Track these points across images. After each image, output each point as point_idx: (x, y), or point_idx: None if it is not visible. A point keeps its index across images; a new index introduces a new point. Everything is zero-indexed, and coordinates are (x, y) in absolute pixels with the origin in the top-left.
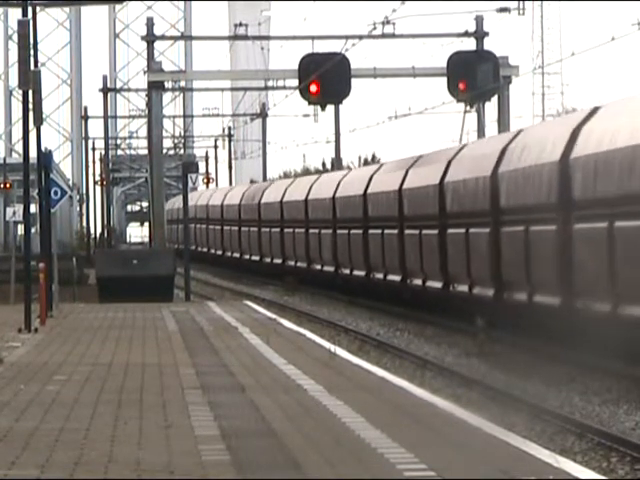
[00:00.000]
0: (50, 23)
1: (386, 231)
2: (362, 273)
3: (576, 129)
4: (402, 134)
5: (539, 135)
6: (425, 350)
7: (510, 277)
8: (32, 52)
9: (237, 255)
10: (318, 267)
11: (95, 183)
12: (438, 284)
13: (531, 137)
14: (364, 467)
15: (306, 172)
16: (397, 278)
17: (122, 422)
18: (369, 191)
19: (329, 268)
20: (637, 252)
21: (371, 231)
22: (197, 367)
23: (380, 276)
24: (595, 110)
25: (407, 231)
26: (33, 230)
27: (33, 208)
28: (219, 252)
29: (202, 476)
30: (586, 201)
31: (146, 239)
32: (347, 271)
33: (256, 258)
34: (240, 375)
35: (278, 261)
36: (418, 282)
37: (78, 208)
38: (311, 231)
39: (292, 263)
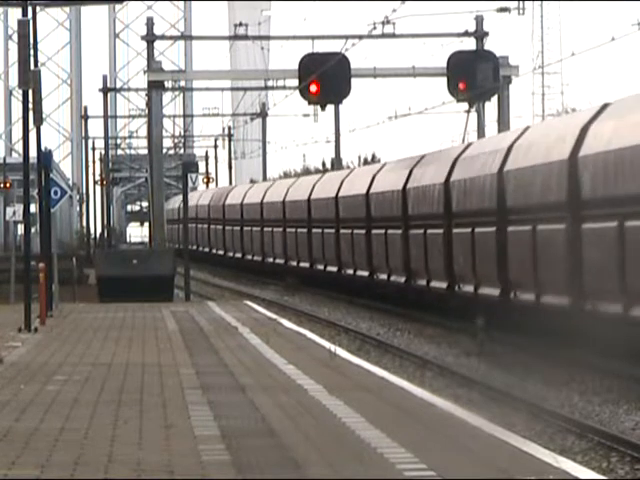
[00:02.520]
0: (50, 23)
1: (389, 231)
2: (307, 264)
3: None
4: (402, 134)
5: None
6: (425, 350)
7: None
8: (32, 52)
9: (207, 250)
10: (271, 260)
11: (95, 183)
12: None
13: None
14: (364, 467)
15: (306, 172)
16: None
17: (122, 422)
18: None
19: (279, 261)
20: None
21: (342, 231)
22: (197, 367)
23: (321, 267)
24: None
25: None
26: (33, 230)
27: (33, 208)
28: (194, 247)
29: (202, 476)
30: None
31: (146, 239)
32: (294, 263)
33: (221, 252)
34: (240, 375)
35: (238, 255)
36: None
37: (78, 208)
38: (265, 229)
39: (250, 257)
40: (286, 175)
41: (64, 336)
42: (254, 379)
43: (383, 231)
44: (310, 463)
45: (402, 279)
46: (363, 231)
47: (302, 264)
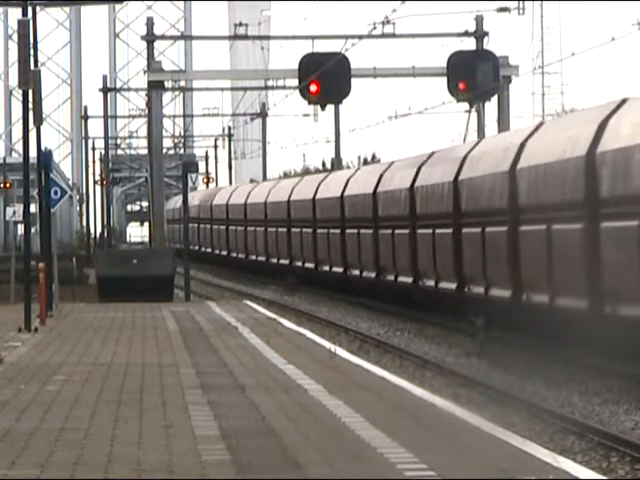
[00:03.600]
0: (50, 23)
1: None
2: (287, 261)
3: None
4: (402, 134)
5: None
6: (425, 350)
7: None
8: (32, 52)
9: (196, 247)
10: (254, 257)
11: (95, 183)
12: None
13: None
14: (364, 467)
15: (306, 172)
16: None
17: (122, 422)
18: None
19: (262, 258)
20: None
21: (319, 230)
22: (197, 367)
23: (299, 264)
24: None
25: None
26: (33, 230)
27: (33, 208)
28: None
29: (202, 476)
30: None
31: (146, 239)
32: (275, 260)
33: (209, 250)
34: (240, 375)
35: (224, 253)
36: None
37: (78, 208)
38: (249, 229)
39: (235, 254)
40: (286, 175)
41: (64, 336)
42: (254, 379)
43: (356, 231)
44: (310, 463)
45: (373, 274)
46: (338, 231)
47: (282, 261)
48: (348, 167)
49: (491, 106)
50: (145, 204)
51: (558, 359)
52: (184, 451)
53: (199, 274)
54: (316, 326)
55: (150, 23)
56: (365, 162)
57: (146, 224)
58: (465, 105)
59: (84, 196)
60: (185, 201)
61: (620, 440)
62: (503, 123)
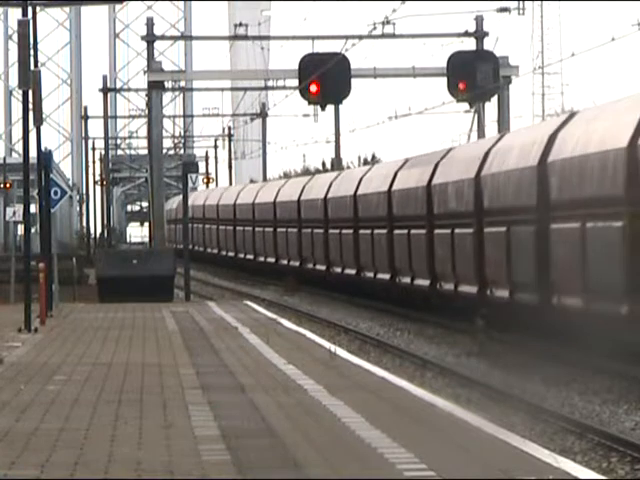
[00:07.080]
0: (50, 23)
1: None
2: (251, 257)
3: None
4: (402, 134)
5: None
6: (425, 350)
7: None
8: (32, 52)
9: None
10: (216, 251)
11: (95, 183)
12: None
13: None
14: (364, 467)
15: (306, 172)
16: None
17: (122, 422)
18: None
19: (216, 252)
20: None
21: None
22: (197, 367)
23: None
24: None
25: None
26: (33, 230)
27: (33, 208)
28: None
29: (202, 476)
30: None
31: (146, 239)
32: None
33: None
34: (240, 375)
35: (201, 249)
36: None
37: (78, 208)
38: (220, 227)
39: (205, 249)
40: (286, 176)
41: (64, 336)
42: (254, 379)
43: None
44: (310, 463)
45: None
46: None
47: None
48: (348, 167)
49: (491, 106)
50: (145, 204)
51: (558, 359)
52: (184, 451)
53: (199, 274)
54: (316, 326)
55: (150, 23)
56: (365, 162)
57: (146, 224)
58: (465, 105)
59: (84, 196)
60: (185, 202)
61: (620, 440)
62: (503, 123)
